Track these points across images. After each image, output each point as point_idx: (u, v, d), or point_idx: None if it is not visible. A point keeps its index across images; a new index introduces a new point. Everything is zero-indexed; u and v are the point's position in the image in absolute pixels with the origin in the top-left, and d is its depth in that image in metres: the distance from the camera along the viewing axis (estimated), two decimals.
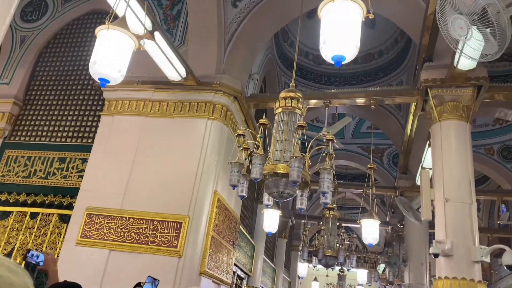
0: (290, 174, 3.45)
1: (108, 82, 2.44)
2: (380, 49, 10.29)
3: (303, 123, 3.66)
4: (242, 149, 3.94)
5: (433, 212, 5.29)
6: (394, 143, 10.43)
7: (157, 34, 4.90)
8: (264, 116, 3.99)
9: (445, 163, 5.22)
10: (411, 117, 7.73)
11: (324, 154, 3.89)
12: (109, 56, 2.38)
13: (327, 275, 16.58)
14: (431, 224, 9.49)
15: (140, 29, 4.73)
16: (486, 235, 11.28)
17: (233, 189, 3.78)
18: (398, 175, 9.98)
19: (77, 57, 7.39)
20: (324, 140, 3.87)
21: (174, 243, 5.34)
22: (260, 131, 3.79)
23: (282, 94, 4.08)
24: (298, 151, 3.55)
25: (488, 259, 4.57)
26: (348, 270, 11.35)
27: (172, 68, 5.47)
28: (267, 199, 4.14)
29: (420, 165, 7.48)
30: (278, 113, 4.06)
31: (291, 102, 3.99)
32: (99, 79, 2.41)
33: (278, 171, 3.64)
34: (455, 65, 4.80)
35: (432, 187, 5.38)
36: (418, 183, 8.11)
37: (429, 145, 6.61)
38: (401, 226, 10.94)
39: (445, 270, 4.78)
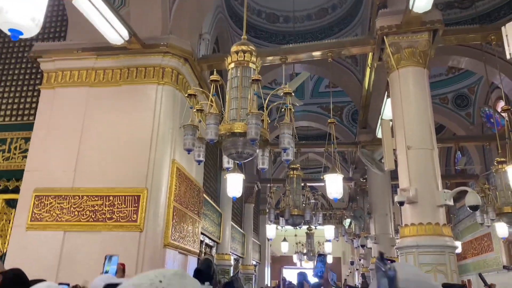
0: (247, 132, 3.22)
1: (21, 33, 2.04)
2: (333, 3, 10.05)
3: (257, 76, 3.40)
4: (195, 111, 3.64)
5: (396, 162, 5.26)
6: (353, 99, 10.40)
7: None
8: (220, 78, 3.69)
9: (405, 110, 5.16)
10: (368, 70, 7.64)
11: (283, 109, 3.67)
12: (21, 1, 1.96)
13: (295, 235, 16.83)
14: (393, 176, 9.67)
15: None
16: (444, 181, 11.69)
17: (188, 153, 3.51)
18: (358, 130, 10.01)
19: None
20: (282, 95, 3.64)
21: (134, 218, 5.05)
22: (212, 89, 3.50)
23: (234, 48, 3.78)
24: (255, 107, 3.31)
25: (451, 202, 4.60)
26: (315, 227, 11.52)
27: (112, 30, 4.99)
28: (226, 162, 3.89)
29: (380, 117, 7.46)
30: (231, 69, 3.77)
31: (244, 55, 3.70)
32: (10, 30, 2.01)
33: (236, 131, 3.39)
34: (410, 7, 4.64)
35: (393, 137, 5.33)
36: (379, 135, 8.13)
37: (388, 96, 6.55)
38: (364, 180, 11.12)
39: (410, 217, 4.79)
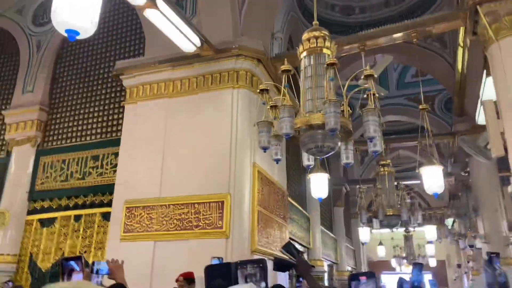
0: (326, 122, 2.91)
1: (78, 34, 2.00)
2: None
3: (333, 60, 3.08)
4: (268, 107, 3.42)
5: (505, 147, 4.54)
6: (446, 86, 9.47)
7: (160, 2, 4.45)
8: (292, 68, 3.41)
9: None
10: (460, 50, 6.86)
11: (365, 95, 3.29)
12: (74, 1, 1.92)
13: (392, 238, 15.85)
14: (500, 166, 8.58)
15: None
16: None
17: (264, 151, 3.30)
18: (455, 119, 9.07)
19: (93, 51, 7.13)
20: (363, 77, 3.27)
21: (219, 224, 4.97)
22: (284, 80, 3.25)
23: (305, 35, 3.51)
24: (332, 94, 3.00)
25: None
26: (413, 229, 10.64)
27: (183, 37, 5.01)
28: (306, 159, 3.61)
29: (480, 100, 6.62)
30: (303, 59, 3.51)
31: (316, 42, 3.41)
32: (66, 31, 1.97)
33: (313, 123, 3.10)
34: None
35: (499, 118, 4.61)
36: (480, 121, 7.24)
37: (488, 74, 5.77)
38: (466, 174, 10.03)
39: None
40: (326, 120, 2.87)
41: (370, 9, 9.69)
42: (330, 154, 3.27)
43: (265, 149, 3.26)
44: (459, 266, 16.12)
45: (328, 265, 10.88)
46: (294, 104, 3.30)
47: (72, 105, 6.95)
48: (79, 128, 6.75)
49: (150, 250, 5.17)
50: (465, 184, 10.26)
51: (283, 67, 3.26)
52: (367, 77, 3.20)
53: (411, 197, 7.32)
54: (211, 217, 5.05)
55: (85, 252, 6.00)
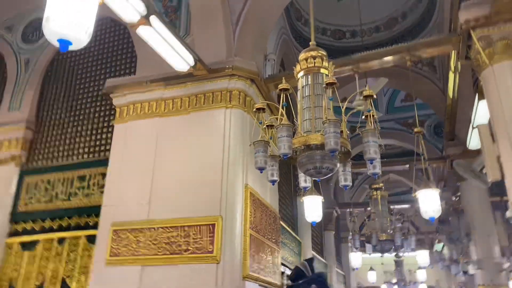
0: (325, 142, 2.81)
1: (70, 44, 1.88)
2: (402, 11, 9.47)
3: (333, 79, 3.01)
4: (264, 127, 3.33)
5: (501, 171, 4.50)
6: (436, 110, 9.54)
7: (153, 19, 4.39)
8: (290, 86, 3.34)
9: (507, 110, 4.43)
10: (451, 75, 6.91)
11: (363, 117, 3.22)
12: (68, 9, 1.80)
13: (382, 263, 15.64)
14: (492, 191, 8.57)
15: (134, 16, 4.24)
16: None
17: (261, 172, 3.17)
18: (445, 143, 9.09)
19: (82, 70, 7.01)
20: (361, 98, 3.21)
21: (210, 248, 4.78)
22: (281, 99, 3.17)
23: (302, 55, 3.45)
24: (332, 113, 2.91)
25: None
26: (403, 254, 10.50)
27: (178, 57, 4.94)
28: (303, 180, 3.50)
29: (471, 125, 6.64)
30: (300, 78, 3.44)
31: (314, 61, 3.35)
32: (59, 40, 1.85)
33: (312, 143, 3.01)
34: None
35: (494, 142, 4.59)
36: (471, 146, 7.27)
37: (480, 98, 5.80)
38: (456, 199, 10.01)
39: None
40: (326, 140, 2.78)
41: (360, 34, 9.81)
42: (329, 175, 3.17)
43: (261, 169, 3.14)
44: None
45: None
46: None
47: (59, 124, 6.77)
48: (66, 147, 6.56)
49: (137, 275, 4.93)
50: (455, 209, 10.22)
51: (281, 86, 3.18)
52: (366, 97, 3.13)
53: (403, 222, 7.18)
54: (202, 240, 4.86)
55: (68, 277, 5.73)
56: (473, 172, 6.60)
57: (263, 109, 3.29)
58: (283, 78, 3.26)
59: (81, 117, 6.65)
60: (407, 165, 9.73)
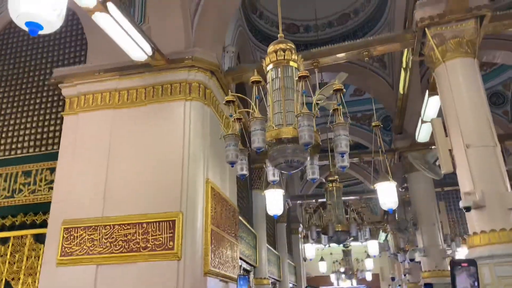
0: (300, 135, 2.80)
1: (41, 27, 1.68)
2: (355, 7, 9.69)
3: (305, 72, 2.99)
4: (234, 119, 3.25)
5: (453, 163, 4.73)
6: (385, 104, 9.88)
7: (110, 6, 4.14)
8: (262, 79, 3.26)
9: (458, 106, 4.66)
10: (403, 71, 7.18)
11: (331, 110, 3.24)
12: None
13: (331, 253, 16.12)
14: (436, 182, 9.05)
15: (90, 1, 3.97)
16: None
17: (232, 166, 3.10)
18: (394, 137, 9.47)
19: (26, 57, 6.51)
20: (332, 93, 3.22)
21: (170, 245, 4.63)
22: (253, 91, 3.10)
23: (271, 48, 3.41)
24: (305, 107, 2.89)
25: None
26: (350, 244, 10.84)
27: (134, 45, 4.70)
28: (272, 174, 3.47)
29: (420, 119, 6.95)
30: (269, 71, 3.39)
31: (284, 54, 3.32)
32: (27, 23, 1.64)
33: (284, 136, 2.98)
34: None
35: (447, 136, 4.82)
36: (420, 139, 7.61)
37: (430, 94, 6.07)
38: (403, 190, 10.48)
39: (479, 224, 4.24)
40: (301, 133, 2.76)
41: (314, 29, 9.93)
42: (299, 169, 3.16)
43: (232, 163, 3.06)
44: (393, 279, 16.75)
45: (272, 283, 10.73)
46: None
47: (1, 115, 6.25)
48: (8, 140, 6.07)
49: (92, 275, 4.68)
50: (402, 199, 10.69)
51: (253, 78, 3.11)
52: (336, 91, 3.15)
53: (357, 213, 7.40)
54: (161, 237, 4.70)
55: (12, 279, 5.33)
56: (427, 163, 6.91)
57: (233, 101, 3.21)
58: (255, 70, 3.18)
59: (25, 108, 6.18)
60: (356, 158, 10.02)
